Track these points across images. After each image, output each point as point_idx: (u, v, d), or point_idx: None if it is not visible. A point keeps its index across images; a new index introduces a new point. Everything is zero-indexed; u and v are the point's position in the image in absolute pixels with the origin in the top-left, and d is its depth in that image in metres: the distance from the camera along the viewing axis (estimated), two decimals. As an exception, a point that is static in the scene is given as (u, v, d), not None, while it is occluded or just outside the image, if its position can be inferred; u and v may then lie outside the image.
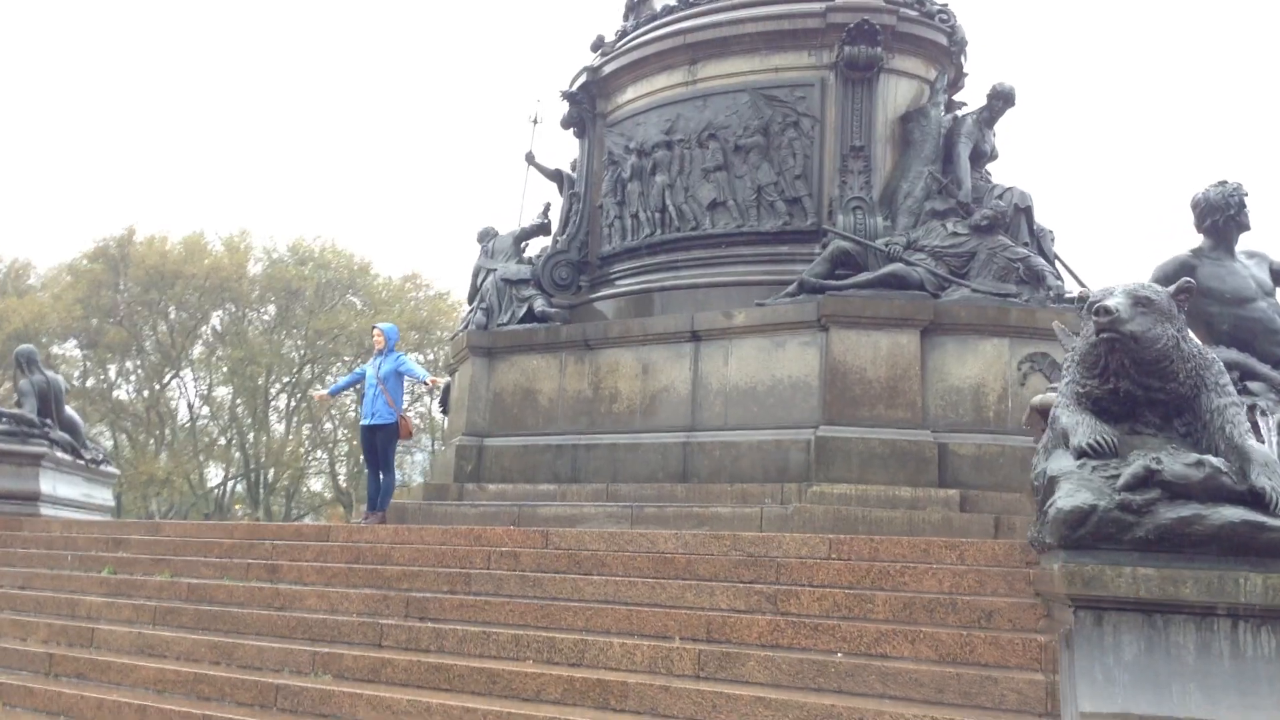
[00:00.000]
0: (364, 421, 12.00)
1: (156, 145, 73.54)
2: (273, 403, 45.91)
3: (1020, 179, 14.65)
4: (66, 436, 14.30)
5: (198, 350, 46.49)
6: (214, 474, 47.55)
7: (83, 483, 14.42)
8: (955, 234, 13.14)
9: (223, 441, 46.90)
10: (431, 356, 48.95)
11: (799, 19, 14.31)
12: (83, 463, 14.47)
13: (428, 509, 13.72)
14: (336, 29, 77.31)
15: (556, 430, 14.32)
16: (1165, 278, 8.23)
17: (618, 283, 15.19)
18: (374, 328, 12.53)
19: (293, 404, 45.99)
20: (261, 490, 45.07)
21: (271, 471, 45.64)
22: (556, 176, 16.59)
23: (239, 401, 45.17)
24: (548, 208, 16.51)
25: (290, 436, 45.68)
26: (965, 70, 15.25)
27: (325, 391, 14.53)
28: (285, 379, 45.87)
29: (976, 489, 11.96)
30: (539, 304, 14.91)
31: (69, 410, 14.83)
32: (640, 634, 7.54)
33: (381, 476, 12.01)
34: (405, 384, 13.42)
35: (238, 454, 45.70)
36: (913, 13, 14.41)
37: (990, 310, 12.53)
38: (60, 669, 8.83)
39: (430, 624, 8.25)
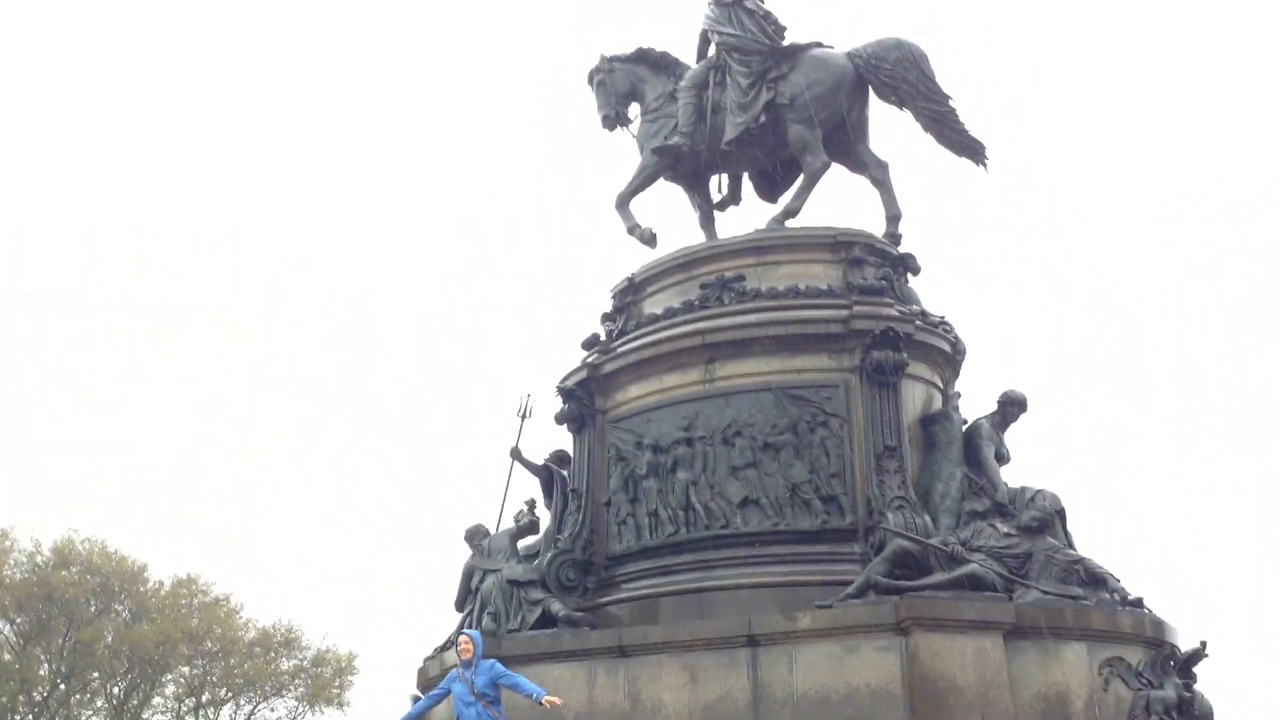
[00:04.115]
0: (469, 747, 10.36)
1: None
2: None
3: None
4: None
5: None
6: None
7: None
8: (1008, 535, 13.19)
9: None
10: (200, 668, 44.55)
11: (821, 324, 14.54)
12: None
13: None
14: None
15: (588, 750, 12.99)
16: None
17: (634, 584, 14.31)
18: (461, 633, 10.95)
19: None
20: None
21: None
22: (545, 471, 15.81)
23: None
24: (533, 505, 15.63)
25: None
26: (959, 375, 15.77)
27: None
28: (36, 697, 40.48)
29: (1084, 809, 11.52)
30: (556, 607, 13.84)
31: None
32: None
33: None
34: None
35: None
36: (921, 322, 14.92)
37: (1067, 613, 12.47)
38: None
39: None
